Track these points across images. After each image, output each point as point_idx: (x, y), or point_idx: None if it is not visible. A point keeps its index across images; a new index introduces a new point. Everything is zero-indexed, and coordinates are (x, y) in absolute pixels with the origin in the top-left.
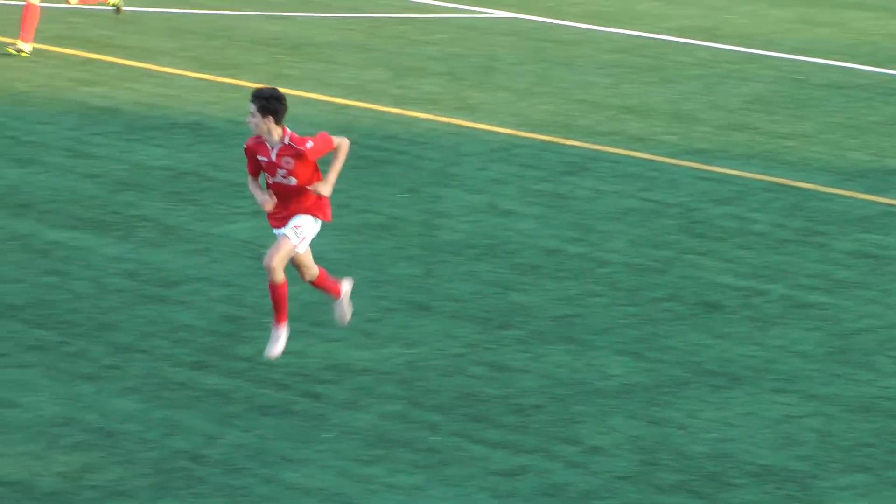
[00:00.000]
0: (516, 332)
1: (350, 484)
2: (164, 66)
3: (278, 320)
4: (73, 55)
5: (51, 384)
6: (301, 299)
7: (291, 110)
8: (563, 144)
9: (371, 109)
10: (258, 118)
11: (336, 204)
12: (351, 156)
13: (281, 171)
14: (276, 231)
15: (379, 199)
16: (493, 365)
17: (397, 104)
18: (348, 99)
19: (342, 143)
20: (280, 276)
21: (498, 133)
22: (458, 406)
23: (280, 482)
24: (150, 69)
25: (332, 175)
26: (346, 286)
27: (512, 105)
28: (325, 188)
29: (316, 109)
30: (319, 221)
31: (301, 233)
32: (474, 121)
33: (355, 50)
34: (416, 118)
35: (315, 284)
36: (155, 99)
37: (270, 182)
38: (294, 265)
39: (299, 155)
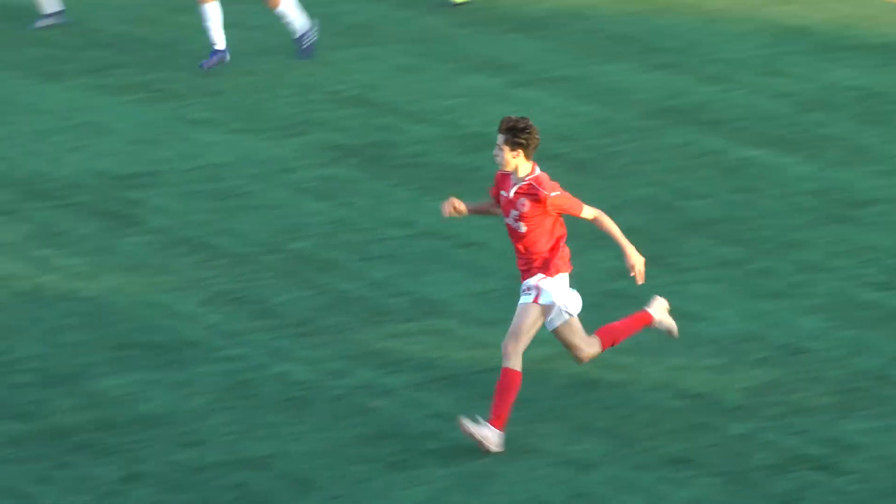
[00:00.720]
0: None
1: None
2: None
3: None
4: None
5: (737, 300)
6: None
7: None
8: None
9: None
10: (505, 152)
11: None
12: None
13: (514, 213)
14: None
15: None
16: None
17: None
18: None
19: (601, 215)
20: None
21: None
22: None
23: None
24: None
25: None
26: (655, 311)
27: None
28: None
29: None
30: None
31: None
32: None
33: None
34: None
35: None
36: (848, 20)
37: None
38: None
39: (537, 199)
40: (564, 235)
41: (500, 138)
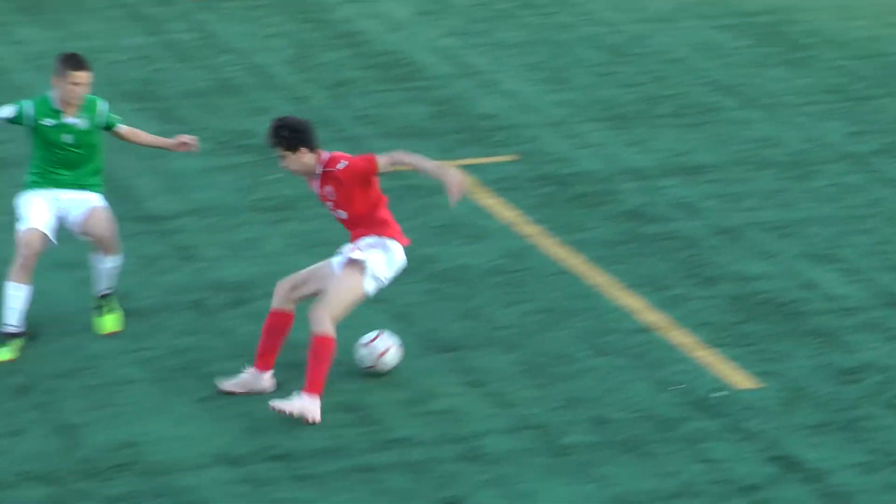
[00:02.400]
0: None
1: None
2: None
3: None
4: None
5: None
6: None
7: None
8: None
9: None
10: (288, 158)
11: None
12: None
13: (328, 205)
14: None
15: None
16: None
17: None
18: None
19: (396, 153)
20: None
21: None
22: None
23: None
24: None
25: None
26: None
27: None
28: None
29: None
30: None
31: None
32: None
33: None
34: None
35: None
36: None
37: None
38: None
39: (335, 179)
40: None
41: (277, 150)
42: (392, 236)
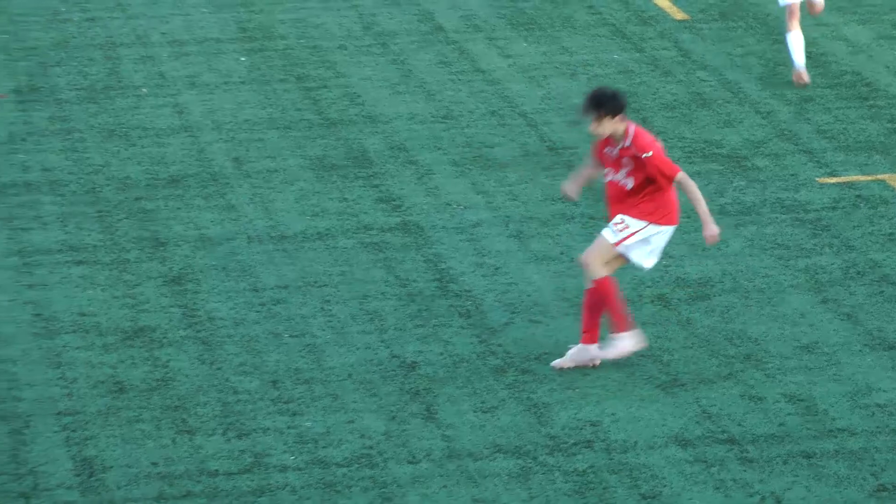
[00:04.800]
0: None
1: None
2: None
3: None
4: None
5: None
6: None
7: None
8: None
9: None
10: (600, 124)
11: None
12: None
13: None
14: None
15: None
16: None
17: None
18: None
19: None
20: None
21: None
22: None
23: None
24: None
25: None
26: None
27: None
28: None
29: None
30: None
31: (622, 230)
32: None
33: None
34: None
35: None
36: None
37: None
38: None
39: (636, 158)
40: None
41: (594, 114)
42: (657, 221)
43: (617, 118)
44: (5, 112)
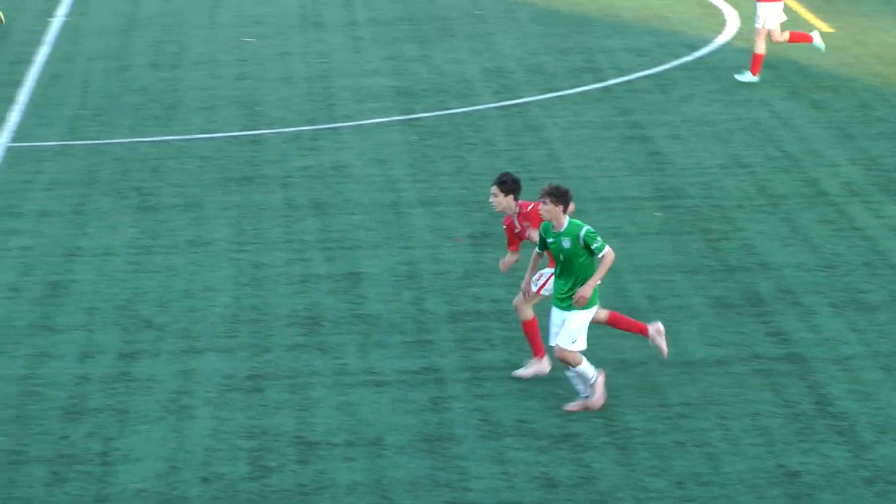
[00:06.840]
0: None
1: None
2: None
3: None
4: None
5: None
6: None
7: None
8: None
9: None
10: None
11: None
12: None
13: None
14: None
15: None
16: None
17: None
18: None
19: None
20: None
21: None
22: None
23: None
24: None
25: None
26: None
27: None
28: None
29: None
30: None
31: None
32: None
33: None
34: None
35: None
36: None
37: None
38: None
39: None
40: None
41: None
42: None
43: None
44: (461, 253)
